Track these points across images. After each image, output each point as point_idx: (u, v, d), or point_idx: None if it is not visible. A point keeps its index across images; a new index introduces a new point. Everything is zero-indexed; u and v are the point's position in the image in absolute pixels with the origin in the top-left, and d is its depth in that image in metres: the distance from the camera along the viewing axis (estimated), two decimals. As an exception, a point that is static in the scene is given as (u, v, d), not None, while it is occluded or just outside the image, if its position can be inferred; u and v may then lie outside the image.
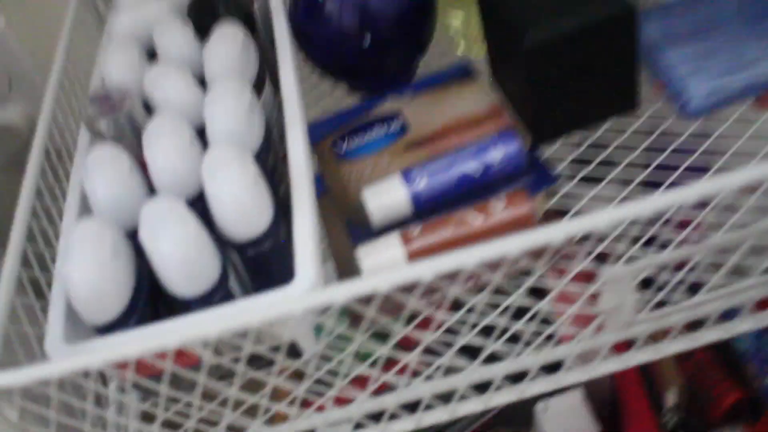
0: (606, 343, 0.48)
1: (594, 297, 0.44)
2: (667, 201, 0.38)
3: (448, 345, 0.47)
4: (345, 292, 0.39)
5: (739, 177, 0.39)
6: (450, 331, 0.47)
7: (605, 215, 0.39)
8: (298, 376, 0.51)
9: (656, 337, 0.49)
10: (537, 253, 0.49)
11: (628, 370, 0.86)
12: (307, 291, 0.42)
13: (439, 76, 0.68)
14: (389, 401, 0.48)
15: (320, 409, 0.50)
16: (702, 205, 0.47)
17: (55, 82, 0.62)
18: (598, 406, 0.87)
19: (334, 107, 0.68)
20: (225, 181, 0.46)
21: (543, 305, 0.47)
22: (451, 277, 0.47)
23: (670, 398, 0.82)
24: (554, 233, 0.38)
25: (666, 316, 0.45)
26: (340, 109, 0.67)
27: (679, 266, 0.46)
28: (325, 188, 0.62)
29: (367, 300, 0.48)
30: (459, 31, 0.71)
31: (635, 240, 0.52)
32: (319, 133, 0.66)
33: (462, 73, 0.68)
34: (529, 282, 0.44)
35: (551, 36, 0.55)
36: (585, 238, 0.46)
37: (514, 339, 0.48)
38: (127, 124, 0.54)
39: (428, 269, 0.38)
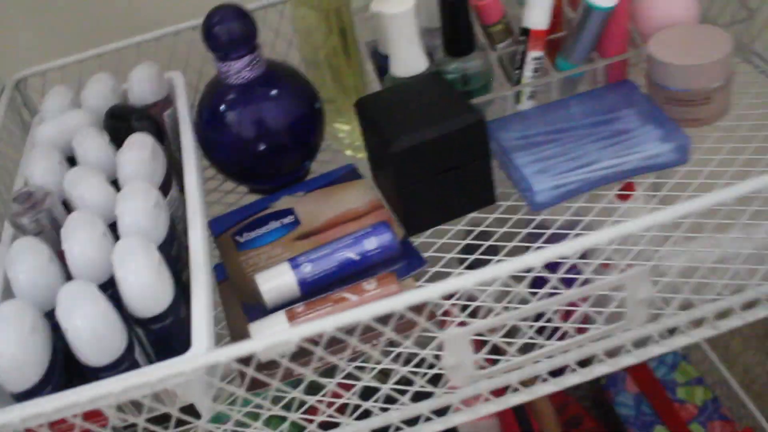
0: (460, 397, 0.57)
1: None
2: (484, 275, 0.48)
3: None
4: (227, 353, 0.47)
5: (546, 253, 0.49)
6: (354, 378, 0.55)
7: (438, 287, 0.48)
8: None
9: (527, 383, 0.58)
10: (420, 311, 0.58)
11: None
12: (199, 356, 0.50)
13: (328, 176, 0.78)
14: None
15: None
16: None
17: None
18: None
19: (237, 204, 0.77)
20: (131, 267, 0.54)
21: (401, 369, 0.56)
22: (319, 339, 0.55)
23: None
24: (395, 303, 0.48)
25: (502, 373, 0.54)
26: (241, 206, 0.76)
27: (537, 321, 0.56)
28: (225, 275, 0.71)
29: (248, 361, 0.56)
30: (346, 139, 0.82)
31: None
32: (221, 227, 0.74)
33: (347, 175, 0.78)
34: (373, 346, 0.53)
35: (413, 143, 0.66)
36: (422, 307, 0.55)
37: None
38: (47, 220, 0.62)
39: (294, 334, 0.47)
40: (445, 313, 0.65)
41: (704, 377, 1.16)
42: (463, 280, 0.49)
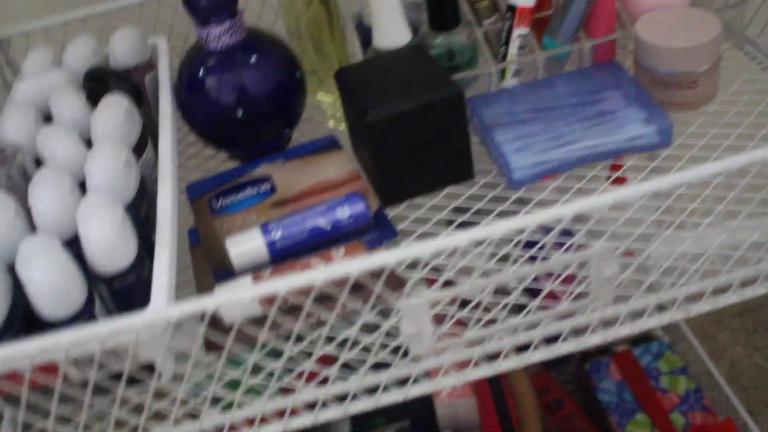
0: (420, 368, 0.57)
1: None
2: (444, 243, 0.48)
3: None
4: (181, 309, 0.47)
5: (505, 225, 0.49)
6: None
7: (395, 253, 0.48)
8: (161, 395, 0.58)
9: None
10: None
11: (489, 417, 0.94)
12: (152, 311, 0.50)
13: (308, 146, 0.77)
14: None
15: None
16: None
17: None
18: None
19: (217, 170, 0.77)
20: (93, 222, 0.54)
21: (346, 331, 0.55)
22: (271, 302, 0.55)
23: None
24: (350, 266, 0.47)
25: (463, 346, 0.54)
26: (219, 172, 0.76)
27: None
28: (199, 239, 0.71)
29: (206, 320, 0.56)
30: (328, 111, 0.82)
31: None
32: (198, 191, 0.74)
33: (328, 145, 0.77)
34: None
35: (390, 114, 0.65)
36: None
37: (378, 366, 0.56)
38: (18, 176, 0.62)
39: (248, 293, 0.47)
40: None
41: (689, 367, 1.15)
42: (420, 248, 0.48)
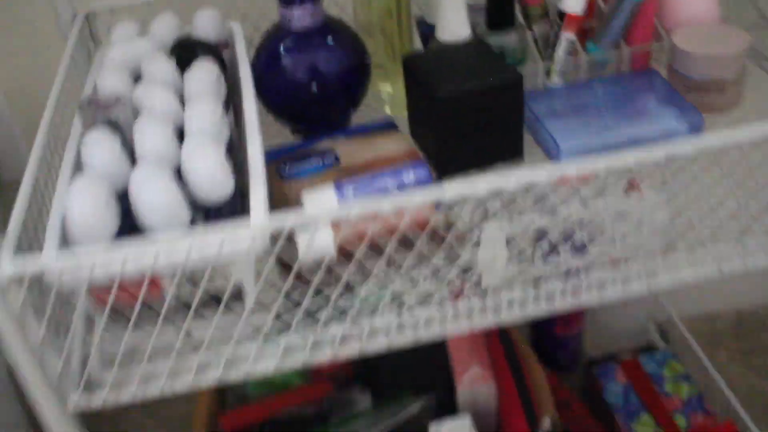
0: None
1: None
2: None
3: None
4: (281, 221, 0.53)
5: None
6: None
7: (487, 179, 0.54)
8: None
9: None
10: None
11: (511, 399, 0.99)
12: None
13: (367, 126, 0.84)
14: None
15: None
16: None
17: (54, 96, 0.75)
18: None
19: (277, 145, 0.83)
20: (201, 153, 0.60)
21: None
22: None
23: (546, 423, 0.95)
24: (445, 190, 0.53)
25: (527, 279, 0.60)
26: (285, 144, 0.82)
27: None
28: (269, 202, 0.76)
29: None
30: (388, 97, 0.88)
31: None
32: (267, 160, 0.80)
33: (386, 126, 0.84)
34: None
35: (458, 92, 0.72)
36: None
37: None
38: (116, 123, 0.68)
39: (352, 207, 0.53)
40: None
41: (691, 376, 1.21)
42: (506, 179, 0.55)
